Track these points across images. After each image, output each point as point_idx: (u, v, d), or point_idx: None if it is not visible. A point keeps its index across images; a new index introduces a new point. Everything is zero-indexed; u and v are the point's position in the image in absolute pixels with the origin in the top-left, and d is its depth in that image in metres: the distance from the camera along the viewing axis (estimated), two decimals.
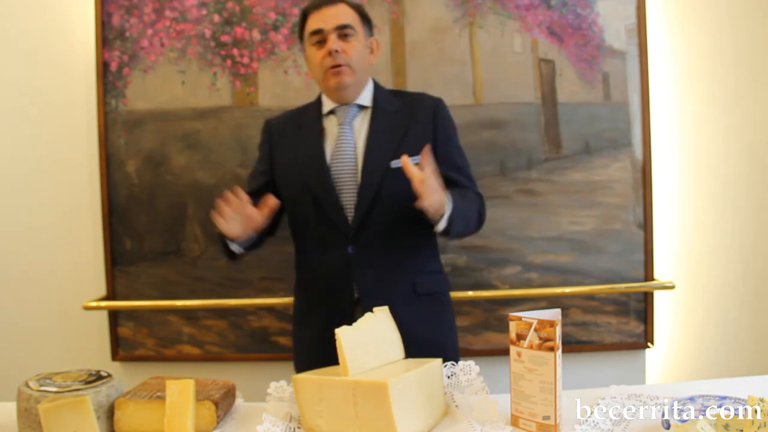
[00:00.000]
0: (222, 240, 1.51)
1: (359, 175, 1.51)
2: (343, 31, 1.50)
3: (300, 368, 1.62)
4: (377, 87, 1.62)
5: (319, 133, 1.57)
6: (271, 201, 1.42)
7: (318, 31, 1.51)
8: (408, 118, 1.57)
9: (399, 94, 1.65)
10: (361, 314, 1.44)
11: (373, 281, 1.52)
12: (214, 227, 1.45)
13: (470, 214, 1.53)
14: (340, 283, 1.53)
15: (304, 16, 1.56)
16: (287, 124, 1.65)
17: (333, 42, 1.49)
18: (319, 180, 1.52)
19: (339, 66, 1.49)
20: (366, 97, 1.59)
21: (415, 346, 1.33)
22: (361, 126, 1.57)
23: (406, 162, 1.33)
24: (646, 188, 2.17)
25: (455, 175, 1.57)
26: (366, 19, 1.59)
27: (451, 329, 1.69)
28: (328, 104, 1.59)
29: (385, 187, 1.50)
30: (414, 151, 1.50)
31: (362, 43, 1.55)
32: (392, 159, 1.50)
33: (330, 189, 1.51)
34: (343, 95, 1.55)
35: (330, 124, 1.58)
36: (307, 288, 1.63)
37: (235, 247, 1.52)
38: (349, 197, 1.51)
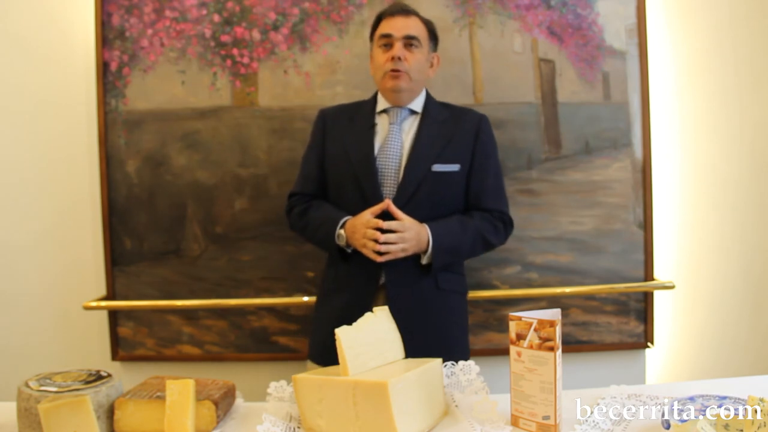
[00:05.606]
0: (339, 249, 1.66)
1: (401, 172, 1.64)
2: (409, 41, 1.65)
3: (314, 345, 1.77)
4: (429, 97, 1.76)
5: (371, 128, 1.69)
6: (386, 203, 1.58)
7: (387, 36, 1.66)
8: (453, 129, 1.71)
9: (448, 107, 1.79)
10: (383, 301, 1.61)
11: (400, 271, 1.63)
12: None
13: (461, 245, 1.67)
14: (368, 267, 1.62)
15: (379, 20, 1.71)
16: (340, 115, 1.78)
17: (398, 49, 1.64)
18: (366, 171, 1.65)
19: (398, 71, 1.64)
20: (418, 104, 1.73)
21: (429, 339, 1.49)
22: (410, 128, 1.70)
23: (390, 205, 1.57)
24: (646, 188, 2.17)
25: (478, 193, 1.71)
26: (433, 36, 1.74)
27: (465, 330, 1.79)
28: (382, 103, 1.73)
29: (424, 188, 1.64)
30: (453, 159, 1.68)
31: (425, 56, 1.70)
32: (434, 163, 1.65)
33: (374, 181, 1.64)
34: (397, 98, 1.69)
35: (382, 122, 1.72)
36: (338, 266, 1.71)
37: (350, 250, 1.67)
38: (389, 190, 1.65)
